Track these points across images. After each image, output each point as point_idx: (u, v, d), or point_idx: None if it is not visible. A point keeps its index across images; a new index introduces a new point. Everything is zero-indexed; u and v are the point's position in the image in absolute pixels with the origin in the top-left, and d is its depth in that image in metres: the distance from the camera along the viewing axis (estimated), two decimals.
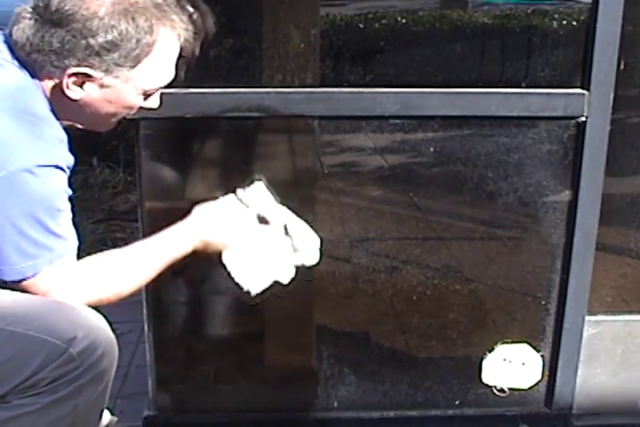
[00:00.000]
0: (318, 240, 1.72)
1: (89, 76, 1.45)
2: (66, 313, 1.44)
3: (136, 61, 1.46)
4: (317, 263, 1.73)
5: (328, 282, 2.04)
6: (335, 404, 2.11)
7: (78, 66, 1.44)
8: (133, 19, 1.43)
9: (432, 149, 1.95)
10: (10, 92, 1.44)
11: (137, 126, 1.85)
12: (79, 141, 1.74)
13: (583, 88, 1.90)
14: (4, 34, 1.49)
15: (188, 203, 2.01)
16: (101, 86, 1.47)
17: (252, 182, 1.75)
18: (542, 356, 2.09)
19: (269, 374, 2.14)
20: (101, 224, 3.66)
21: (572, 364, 2.09)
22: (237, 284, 1.66)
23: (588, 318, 2.06)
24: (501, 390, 2.10)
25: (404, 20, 1.93)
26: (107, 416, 1.89)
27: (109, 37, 1.42)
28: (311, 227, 1.74)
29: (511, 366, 2.09)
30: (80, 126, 1.56)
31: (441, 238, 2.07)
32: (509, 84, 1.91)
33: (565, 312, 2.04)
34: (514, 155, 1.96)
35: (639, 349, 2.14)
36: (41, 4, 1.43)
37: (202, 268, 2.07)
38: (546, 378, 2.11)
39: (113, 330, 1.50)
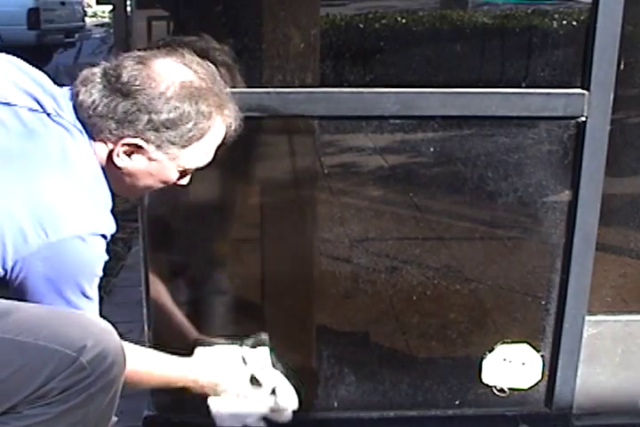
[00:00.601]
0: (297, 404, 1.87)
1: (141, 147, 1.50)
2: (75, 322, 1.45)
3: (188, 143, 1.52)
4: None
5: (328, 282, 2.04)
6: (335, 404, 2.12)
7: (135, 137, 1.49)
8: (197, 103, 1.50)
9: (432, 149, 1.95)
10: (76, 155, 1.47)
11: None
12: None
13: (583, 88, 1.90)
14: (70, 90, 1.53)
15: (187, 203, 2.02)
16: (149, 159, 1.52)
17: (258, 342, 1.88)
18: (542, 356, 2.09)
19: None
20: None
21: (572, 364, 2.09)
22: (213, 420, 1.81)
23: (587, 318, 2.06)
24: (501, 390, 2.10)
25: (403, 20, 1.93)
26: None
27: (171, 116, 1.48)
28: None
29: (511, 366, 2.09)
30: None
31: (441, 238, 2.07)
32: (509, 84, 1.91)
33: (565, 312, 2.05)
34: (514, 155, 1.97)
35: (639, 349, 2.14)
36: (112, 73, 1.49)
37: (202, 268, 2.07)
38: (546, 378, 2.11)
39: (120, 336, 1.50)
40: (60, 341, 1.40)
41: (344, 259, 2.04)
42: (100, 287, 3.11)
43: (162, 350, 2.03)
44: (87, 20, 12.16)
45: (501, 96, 1.90)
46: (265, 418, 1.85)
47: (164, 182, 1.59)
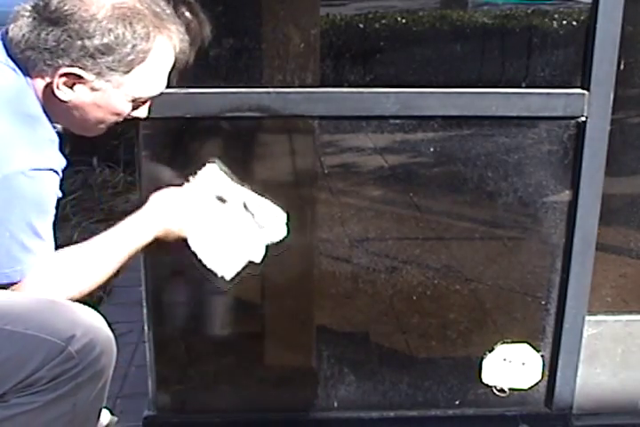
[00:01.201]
0: (284, 215, 1.70)
1: (80, 77, 1.45)
2: (64, 312, 1.45)
3: (129, 67, 1.47)
4: (284, 238, 1.70)
5: (328, 282, 2.04)
6: (335, 404, 2.11)
7: (71, 66, 1.44)
8: (131, 24, 1.44)
9: (432, 149, 1.95)
10: (5, 92, 1.44)
11: (137, 126, 1.85)
12: (79, 141, 1.74)
13: (583, 88, 1.90)
14: (1, 31, 1.49)
15: None
16: (92, 89, 1.47)
17: (204, 165, 1.73)
18: (542, 356, 2.09)
19: (269, 374, 2.14)
20: (101, 224, 3.65)
21: (572, 364, 2.09)
22: (210, 270, 1.64)
23: (587, 318, 2.06)
24: (501, 390, 2.10)
25: (404, 20, 1.93)
26: (107, 416, 1.89)
27: (105, 40, 1.43)
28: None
29: (511, 366, 2.09)
30: (68, 129, 1.56)
31: (441, 238, 2.07)
32: (509, 84, 1.91)
33: (565, 312, 2.04)
34: (514, 155, 1.97)
35: (639, 349, 2.14)
36: (41, 3, 1.44)
37: (202, 268, 2.07)
38: (546, 378, 2.11)
39: (111, 329, 1.50)
40: (49, 330, 1.40)
41: (344, 259, 2.04)
42: (100, 287, 3.11)
43: (163, 350, 2.04)
44: None
45: (501, 96, 1.90)
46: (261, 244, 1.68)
47: (117, 114, 1.53)
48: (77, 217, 3.62)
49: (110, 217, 3.75)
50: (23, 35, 1.44)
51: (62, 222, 3.49)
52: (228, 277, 1.64)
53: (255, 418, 2.12)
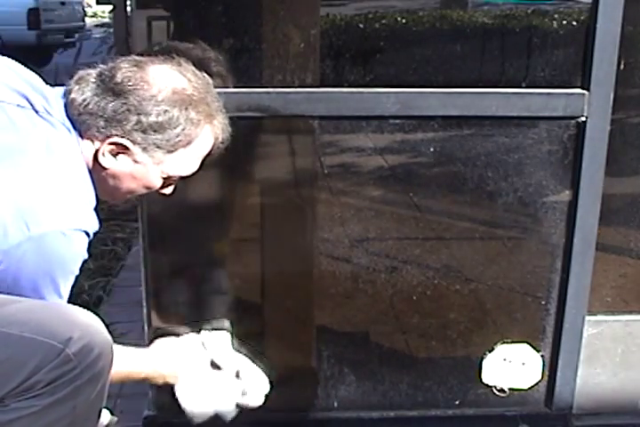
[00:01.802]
0: (268, 387, 1.82)
1: (127, 148, 1.51)
2: (61, 314, 1.44)
3: (174, 148, 1.53)
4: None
5: (328, 282, 2.04)
6: (335, 404, 2.12)
7: (122, 137, 1.50)
8: (186, 109, 1.51)
9: (432, 149, 1.95)
10: (59, 150, 1.48)
11: None
12: None
13: (583, 88, 1.90)
14: (65, 90, 1.54)
15: (187, 203, 2.02)
16: (134, 161, 1.53)
17: (217, 327, 1.86)
18: (542, 356, 2.09)
19: (269, 374, 2.14)
20: (101, 224, 3.66)
21: (572, 364, 2.09)
22: (183, 409, 1.76)
23: (588, 318, 2.06)
24: (501, 390, 2.10)
25: (404, 20, 1.93)
26: (107, 416, 1.89)
27: (160, 119, 1.49)
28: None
29: (511, 366, 2.09)
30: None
31: (441, 238, 2.07)
32: (509, 84, 1.91)
33: (565, 312, 2.05)
34: (514, 155, 1.97)
35: (639, 349, 2.14)
36: (107, 74, 1.50)
37: (202, 268, 2.07)
38: (546, 378, 2.11)
39: (109, 330, 1.50)
40: (46, 333, 1.39)
41: (344, 259, 2.04)
42: (100, 287, 3.11)
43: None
44: (87, 20, 12.16)
45: (501, 96, 1.90)
46: (237, 405, 1.80)
47: (147, 188, 1.60)
48: None
49: (110, 217, 3.76)
50: (84, 99, 1.49)
51: None
52: (195, 421, 1.77)
53: (255, 418, 2.12)
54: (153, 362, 1.73)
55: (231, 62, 1.87)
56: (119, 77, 1.49)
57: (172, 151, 1.53)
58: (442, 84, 1.89)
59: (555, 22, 1.92)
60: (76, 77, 1.53)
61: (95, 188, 1.53)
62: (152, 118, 1.49)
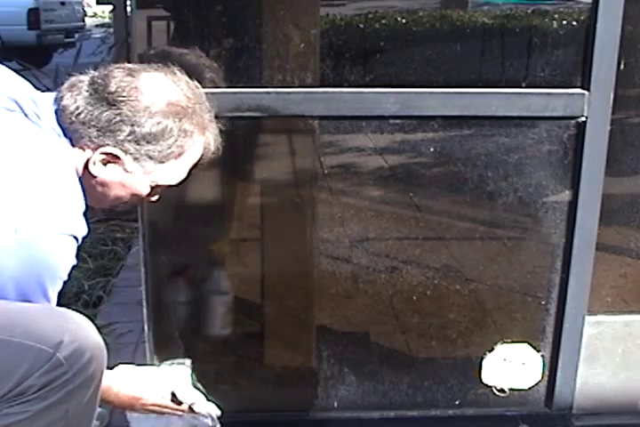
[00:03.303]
0: (218, 423, 1.81)
1: (118, 158, 1.50)
2: (51, 318, 1.43)
3: (166, 159, 1.53)
4: None
5: (328, 282, 2.04)
6: (335, 404, 2.12)
7: (114, 147, 1.49)
8: (180, 120, 1.50)
9: (432, 149, 1.95)
10: (49, 156, 1.46)
11: None
12: None
13: (583, 88, 1.90)
14: (56, 96, 1.52)
15: (187, 203, 2.02)
16: (124, 171, 1.52)
17: (178, 363, 1.83)
18: (542, 356, 2.09)
19: (269, 374, 2.14)
20: (101, 224, 3.66)
21: (572, 364, 2.09)
22: None
23: (587, 318, 2.06)
24: (501, 390, 2.10)
25: (404, 20, 1.93)
26: (107, 416, 1.91)
27: (153, 130, 1.49)
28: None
29: (511, 366, 2.09)
30: None
31: (441, 238, 2.07)
32: (509, 84, 1.91)
33: (565, 312, 2.05)
34: (514, 155, 1.97)
35: (639, 349, 2.14)
36: (100, 82, 1.49)
37: (202, 268, 2.07)
38: (546, 378, 2.11)
39: (105, 332, 1.48)
40: (36, 337, 1.38)
41: (344, 259, 2.04)
42: (100, 287, 3.11)
43: (163, 350, 2.04)
44: (87, 20, 12.17)
45: (501, 96, 1.90)
46: None
47: (135, 196, 1.59)
48: None
49: (110, 217, 3.76)
50: (77, 107, 1.48)
51: None
52: None
53: (255, 418, 2.12)
54: (114, 384, 1.70)
55: (231, 62, 1.87)
56: (113, 87, 1.48)
57: (163, 162, 1.53)
58: (442, 84, 1.89)
59: (555, 22, 1.92)
60: (67, 84, 1.51)
61: (84, 194, 1.52)
62: (145, 129, 1.48)
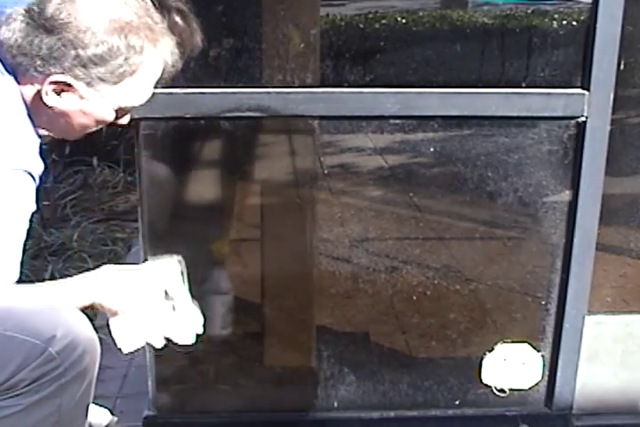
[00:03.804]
0: (201, 329, 1.70)
1: (70, 85, 1.45)
2: (44, 312, 1.42)
3: (120, 78, 1.47)
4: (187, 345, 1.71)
5: (328, 282, 2.04)
6: (335, 404, 2.12)
7: (62, 74, 1.44)
8: (126, 37, 1.44)
9: (432, 149, 1.95)
10: None
11: (137, 126, 1.85)
12: (79, 141, 1.74)
13: (583, 88, 1.90)
14: None
15: (187, 203, 2.02)
16: (80, 97, 1.47)
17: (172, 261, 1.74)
18: (542, 356, 2.09)
19: (269, 374, 2.14)
20: (101, 224, 3.66)
21: (572, 364, 2.09)
22: (113, 340, 1.64)
23: (587, 318, 2.06)
24: (501, 390, 2.10)
25: (404, 20, 1.93)
26: (107, 416, 1.89)
27: (99, 51, 1.42)
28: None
29: (511, 366, 2.09)
30: (50, 134, 1.54)
31: (441, 238, 2.07)
32: (509, 84, 1.91)
33: (565, 312, 2.05)
34: (514, 155, 1.97)
35: (639, 349, 2.14)
36: (35, 9, 1.43)
37: (202, 268, 2.07)
38: (546, 378, 2.11)
39: (95, 328, 1.47)
40: (29, 331, 1.37)
41: (344, 259, 2.04)
42: None
43: (162, 351, 2.03)
44: None
45: (501, 96, 1.90)
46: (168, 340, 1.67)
47: (101, 122, 1.53)
48: (77, 217, 3.62)
49: (110, 217, 3.76)
50: (16, 39, 1.43)
51: (62, 222, 3.49)
52: (124, 351, 1.68)
53: (255, 418, 2.12)
54: (94, 293, 1.53)
55: (231, 62, 1.87)
56: (49, 12, 1.41)
57: (117, 82, 1.46)
58: (442, 84, 1.89)
59: (555, 22, 1.92)
60: (3, 18, 1.45)
61: (47, 129, 1.48)
62: (90, 51, 1.41)
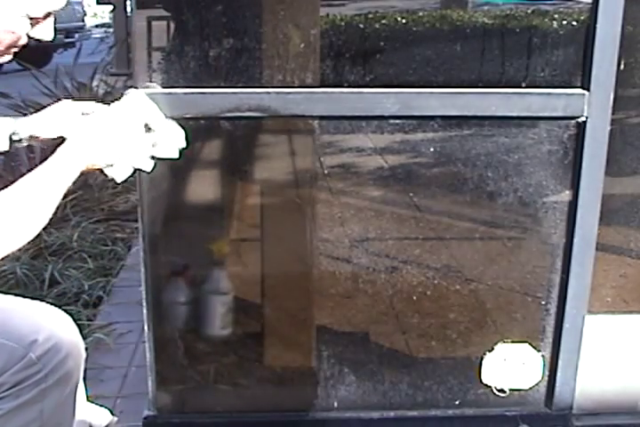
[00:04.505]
0: (183, 143, 1.69)
1: None
2: (27, 315, 1.41)
3: None
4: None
5: (328, 282, 2.04)
6: (335, 404, 2.11)
7: None
8: None
9: (432, 149, 1.95)
10: None
11: None
12: None
13: (583, 88, 1.90)
14: None
15: (187, 203, 2.02)
16: None
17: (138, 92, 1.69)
18: (542, 356, 2.09)
19: (269, 374, 2.14)
20: (101, 224, 3.66)
21: (571, 364, 2.09)
22: (104, 173, 1.60)
23: (587, 317, 2.06)
24: (501, 390, 2.10)
25: (404, 20, 1.93)
26: (107, 416, 1.89)
27: None
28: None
29: (511, 366, 2.09)
30: None
31: (441, 238, 2.07)
32: (509, 84, 1.91)
33: (565, 312, 2.05)
34: (514, 155, 1.97)
35: (639, 349, 2.14)
36: None
37: (202, 268, 2.07)
38: (546, 378, 2.11)
39: (80, 331, 1.46)
40: (10, 335, 1.36)
41: (344, 259, 2.04)
42: (100, 287, 3.11)
43: (163, 350, 2.04)
44: (87, 19, 12.16)
45: (501, 96, 1.90)
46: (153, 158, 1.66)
47: (14, 33, 1.42)
48: (77, 217, 3.62)
49: (110, 217, 3.76)
50: None
51: (62, 222, 3.49)
52: (118, 180, 1.63)
53: (255, 418, 2.12)
54: (80, 159, 1.48)
55: (231, 62, 1.87)
56: None
57: None
58: (442, 84, 1.89)
59: (555, 22, 1.92)
60: None
61: None
62: None
